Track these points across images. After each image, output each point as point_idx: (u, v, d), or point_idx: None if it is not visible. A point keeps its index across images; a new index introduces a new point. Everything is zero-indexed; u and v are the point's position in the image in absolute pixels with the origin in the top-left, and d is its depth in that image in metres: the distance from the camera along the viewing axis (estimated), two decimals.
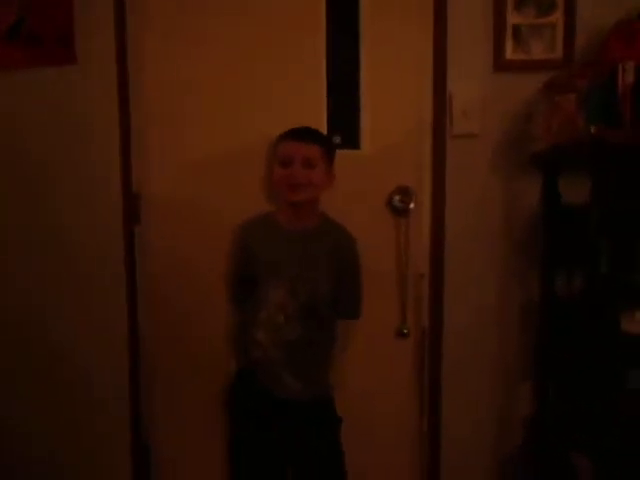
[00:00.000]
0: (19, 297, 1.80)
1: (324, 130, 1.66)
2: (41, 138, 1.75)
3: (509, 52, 1.62)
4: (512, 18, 1.61)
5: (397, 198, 1.65)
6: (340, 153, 1.65)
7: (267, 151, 1.66)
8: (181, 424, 1.80)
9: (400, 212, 1.65)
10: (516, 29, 1.61)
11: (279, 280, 1.51)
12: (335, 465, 1.58)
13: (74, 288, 1.78)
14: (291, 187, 1.49)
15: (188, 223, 1.73)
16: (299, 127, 1.54)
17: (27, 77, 1.73)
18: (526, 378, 1.71)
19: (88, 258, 1.76)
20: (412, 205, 1.66)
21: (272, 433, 1.56)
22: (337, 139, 1.68)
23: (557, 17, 1.60)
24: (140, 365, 1.78)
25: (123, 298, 1.75)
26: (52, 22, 1.70)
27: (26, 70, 1.72)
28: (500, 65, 1.63)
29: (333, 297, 1.55)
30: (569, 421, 1.56)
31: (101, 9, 1.68)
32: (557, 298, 1.56)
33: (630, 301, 1.27)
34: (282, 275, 1.51)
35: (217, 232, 1.70)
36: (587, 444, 1.50)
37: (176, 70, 1.70)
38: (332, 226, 1.58)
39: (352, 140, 1.68)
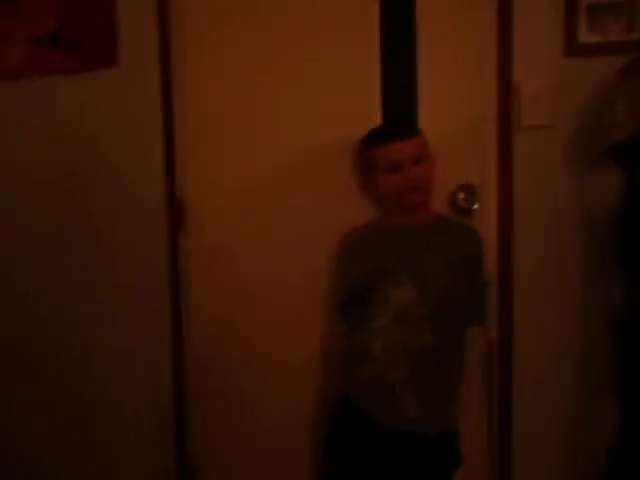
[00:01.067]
0: (55, 312, 1.71)
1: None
2: (83, 143, 1.68)
3: (582, 34, 1.47)
4: None
5: (461, 197, 1.51)
6: None
7: (318, 157, 1.57)
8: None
9: (464, 212, 1.52)
10: (590, 8, 1.46)
11: (403, 278, 1.33)
12: None
13: (113, 302, 1.69)
14: (410, 190, 1.36)
15: (237, 232, 1.64)
16: (385, 125, 1.45)
17: (69, 82, 1.67)
18: (610, 395, 1.53)
19: (129, 269, 1.67)
20: (476, 205, 1.52)
21: (381, 473, 1.34)
22: None
23: None
24: (186, 389, 1.67)
25: (167, 310, 1.65)
26: (93, 25, 1.65)
27: (68, 75, 1.67)
28: (573, 49, 1.48)
29: (463, 298, 1.37)
30: None
31: (144, 11, 1.61)
32: None
33: None
34: (406, 272, 1.34)
35: (269, 240, 1.61)
36: None
37: (222, 71, 1.62)
38: (451, 221, 1.48)
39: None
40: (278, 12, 1.58)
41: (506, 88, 1.51)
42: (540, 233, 1.53)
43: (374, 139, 1.42)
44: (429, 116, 1.53)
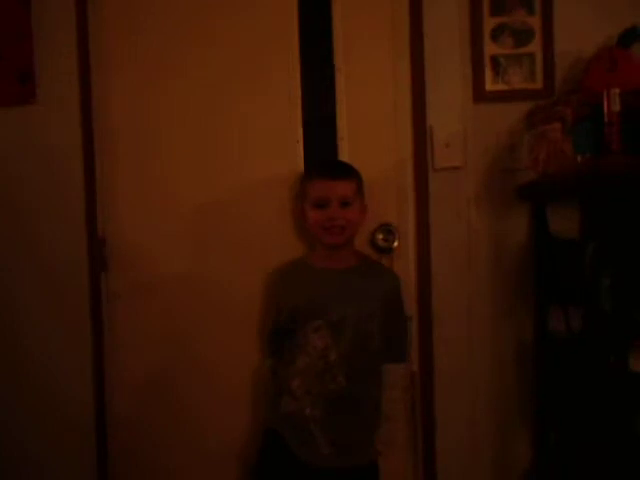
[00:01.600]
0: None
1: (300, 167, 1.59)
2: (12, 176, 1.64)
3: (489, 83, 1.58)
4: (490, 49, 1.57)
5: (380, 237, 1.56)
6: None
7: (244, 193, 1.60)
8: None
9: (384, 251, 1.57)
10: (494, 60, 1.57)
11: (321, 322, 1.37)
12: None
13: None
14: (330, 230, 1.39)
15: (160, 268, 1.62)
16: (329, 161, 1.49)
17: None
18: (524, 424, 1.60)
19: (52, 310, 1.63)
20: (396, 243, 1.57)
21: None
22: None
23: (535, 46, 1.57)
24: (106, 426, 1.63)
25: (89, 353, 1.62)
26: (10, 60, 1.61)
27: None
28: (480, 96, 1.58)
29: (380, 341, 1.41)
30: (572, 472, 1.45)
31: (64, 47, 1.61)
32: (553, 337, 1.47)
33: (637, 339, 1.19)
34: (324, 316, 1.37)
35: (193, 277, 1.61)
36: None
37: (143, 109, 1.62)
38: (374, 264, 1.50)
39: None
40: (205, 48, 1.61)
41: (421, 132, 1.58)
42: (456, 268, 1.59)
43: (311, 172, 1.47)
44: (349, 160, 1.57)
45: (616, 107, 1.28)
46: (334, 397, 1.36)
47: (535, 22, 1.57)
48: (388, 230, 1.56)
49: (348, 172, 1.44)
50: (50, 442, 1.64)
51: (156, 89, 1.61)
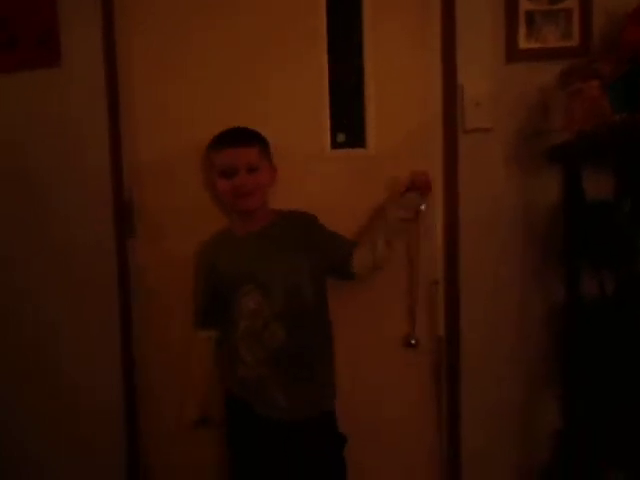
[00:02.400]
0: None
1: (327, 128, 1.56)
2: (27, 146, 1.64)
3: (522, 41, 1.53)
4: (524, 5, 1.52)
5: (412, 195, 1.52)
6: (345, 153, 1.57)
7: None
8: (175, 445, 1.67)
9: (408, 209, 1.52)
10: (529, 16, 1.52)
11: (248, 285, 1.40)
12: None
13: (69, 303, 1.67)
14: (241, 196, 1.41)
15: (185, 232, 1.61)
16: (229, 130, 1.45)
17: (7, 81, 1.62)
18: (553, 388, 1.59)
19: (81, 267, 1.65)
20: (423, 206, 1.54)
21: (272, 459, 1.43)
22: (341, 138, 1.58)
23: (572, 3, 1.51)
24: (135, 384, 1.66)
25: (116, 314, 1.63)
26: (33, 23, 1.60)
27: (7, 74, 1.62)
28: (513, 55, 1.53)
29: (313, 292, 1.42)
30: (601, 434, 1.44)
31: (88, 8, 1.58)
32: (584, 300, 1.45)
33: None
34: (251, 280, 1.40)
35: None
36: (622, 459, 1.38)
37: (167, 70, 1.60)
38: (286, 214, 1.49)
39: (357, 139, 1.58)
40: (227, 11, 1.57)
41: (452, 92, 1.54)
42: (485, 232, 1.57)
43: (215, 142, 1.45)
44: (376, 120, 1.55)
45: None
46: (279, 353, 1.39)
47: None
48: (416, 172, 1.51)
49: (250, 138, 1.44)
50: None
51: (181, 54, 1.58)
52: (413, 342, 1.57)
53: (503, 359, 1.60)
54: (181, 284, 1.57)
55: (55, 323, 1.68)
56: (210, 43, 1.58)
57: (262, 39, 1.57)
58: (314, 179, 1.57)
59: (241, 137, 1.43)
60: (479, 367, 1.60)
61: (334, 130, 1.57)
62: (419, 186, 1.45)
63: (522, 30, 1.53)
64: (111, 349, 1.65)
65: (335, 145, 1.58)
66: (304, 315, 1.41)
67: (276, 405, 1.40)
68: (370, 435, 1.58)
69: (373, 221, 1.51)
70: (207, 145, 1.48)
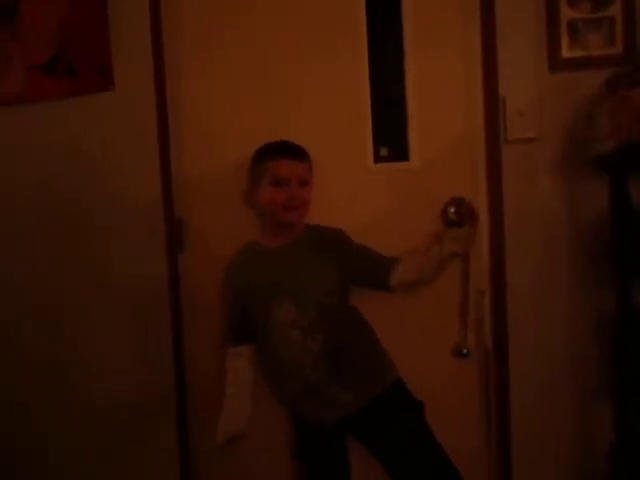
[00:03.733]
0: (56, 334, 1.74)
1: (370, 142, 1.59)
2: (81, 167, 1.71)
3: (565, 49, 1.52)
4: (566, 13, 1.51)
5: (452, 210, 1.53)
6: (389, 166, 1.59)
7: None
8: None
9: (455, 224, 1.53)
10: (571, 25, 1.51)
11: (281, 297, 1.42)
12: (429, 447, 1.44)
13: (118, 322, 1.72)
14: (290, 209, 1.43)
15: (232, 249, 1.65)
16: (282, 142, 1.48)
17: (66, 107, 1.70)
18: (606, 400, 1.55)
19: (131, 289, 1.70)
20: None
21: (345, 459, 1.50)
22: (384, 152, 1.60)
23: (615, 10, 1.50)
24: (187, 401, 1.70)
25: (169, 328, 1.68)
26: (89, 52, 1.68)
27: (65, 100, 1.71)
28: (556, 63, 1.52)
29: (343, 295, 1.46)
30: None
31: (138, 36, 1.65)
32: (635, 309, 1.42)
33: None
34: (284, 291, 1.42)
35: None
36: None
37: (214, 91, 1.65)
38: (314, 228, 1.51)
39: (400, 152, 1.60)
40: (270, 24, 1.62)
41: (494, 103, 1.55)
42: (531, 242, 1.56)
43: (270, 152, 1.47)
44: (419, 133, 1.57)
45: None
46: (322, 355, 1.39)
47: None
48: (460, 204, 1.53)
49: (304, 152, 1.48)
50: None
51: (227, 69, 1.63)
52: (465, 352, 1.56)
53: (553, 370, 1.58)
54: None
55: (108, 342, 1.73)
56: (252, 59, 1.62)
57: (303, 51, 1.61)
58: (358, 194, 1.59)
59: (297, 150, 1.47)
60: (528, 378, 1.58)
61: (377, 144, 1.59)
62: (467, 217, 1.49)
63: (565, 39, 1.52)
64: (164, 361, 1.69)
65: (378, 159, 1.60)
66: (336, 315, 1.43)
67: (340, 403, 1.40)
68: None
69: (426, 245, 1.51)
70: (256, 152, 1.49)
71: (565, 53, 1.52)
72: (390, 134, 1.60)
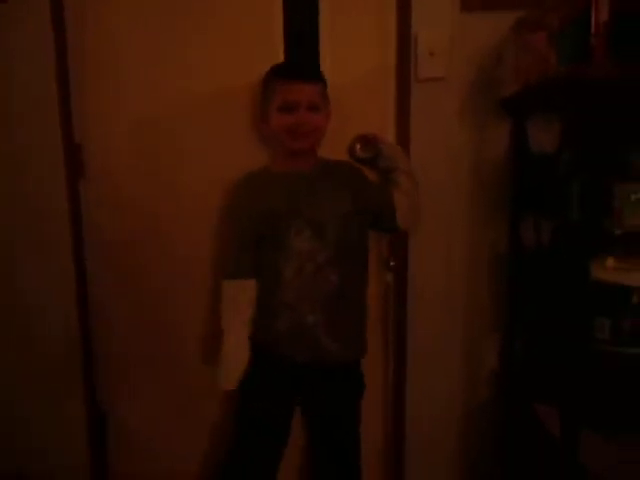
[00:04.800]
0: None
1: None
2: None
3: None
4: None
5: (358, 146, 1.53)
6: None
7: (215, 98, 1.56)
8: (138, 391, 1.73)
9: (362, 161, 1.53)
10: None
11: (301, 223, 1.35)
12: (352, 432, 1.50)
13: (23, 241, 1.66)
14: (297, 135, 1.35)
15: (133, 174, 1.62)
16: (292, 62, 1.41)
17: None
18: (495, 335, 1.67)
19: (33, 211, 1.64)
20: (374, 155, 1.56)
21: (288, 400, 1.47)
22: None
23: None
24: (92, 325, 1.69)
25: (69, 255, 1.64)
26: None
27: None
28: (469, 3, 1.52)
29: (363, 236, 1.45)
30: (536, 373, 1.53)
31: None
32: (525, 247, 1.51)
33: (602, 248, 1.22)
34: (303, 218, 1.35)
35: (166, 183, 1.62)
36: (555, 396, 1.48)
37: (120, 8, 1.55)
38: (332, 161, 1.47)
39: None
40: None
41: (405, 41, 1.54)
42: (435, 180, 1.59)
43: (277, 73, 1.39)
44: (330, 67, 1.54)
45: (605, 16, 1.25)
46: (329, 297, 1.37)
47: None
48: (368, 141, 1.54)
49: (317, 74, 1.40)
50: None
51: None
52: (392, 264, 1.62)
53: (448, 300, 1.67)
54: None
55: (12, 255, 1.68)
56: None
57: None
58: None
59: (308, 71, 1.38)
60: (425, 307, 1.66)
61: None
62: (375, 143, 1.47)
63: None
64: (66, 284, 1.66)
65: None
66: (352, 260, 1.40)
67: (326, 349, 1.37)
68: None
69: (389, 180, 1.48)
70: (266, 74, 1.41)
71: None
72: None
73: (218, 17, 1.55)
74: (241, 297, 1.41)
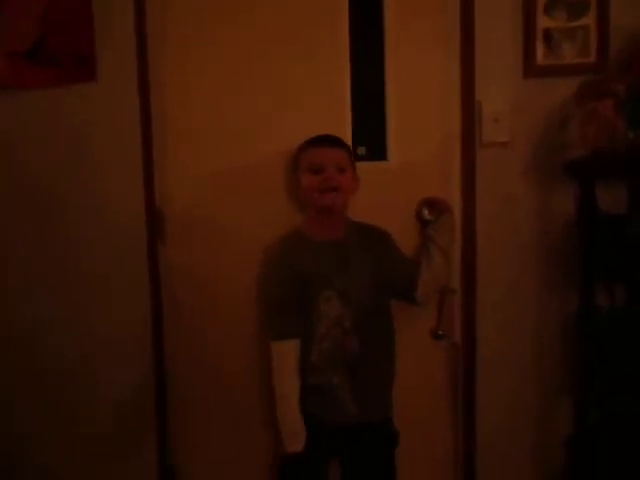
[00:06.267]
0: (40, 328, 1.74)
1: (349, 141, 1.62)
2: (60, 156, 1.70)
3: (540, 57, 1.57)
4: (542, 22, 1.56)
5: (426, 211, 1.59)
6: (366, 165, 1.62)
7: (289, 163, 1.61)
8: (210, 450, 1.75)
9: (429, 225, 1.59)
10: (547, 33, 1.56)
11: (330, 292, 1.45)
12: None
13: (98, 311, 1.72)
14: (325, 191, 1.45)
15: (212, 240, 1.68)
16: (321, 135, 1.51)
17: (47, 96, 1.69)
18: (566, 398, 1.64)
19: (110, 279, 1.71)
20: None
21: (325, 459, 1.52)
22: (362, 150, 1.64)
23: (590, 20, 1.54)
24: (166, 386, 1.73)
25: (149, 318, 1.70)
26: (72, 41, 1.68)
27: (46, 90, 1.70)
28: (531, 70, 1.57)
29: (386, 302, 1.52)
30: (612, 441, 1.49)
31: (122, 26, 1.64)
32: (597, 311, 1.49)
33: None
34: (332, 286, 1.44)
35: (243, 247, 1.66)
36: (631, 467, 1.43)
37: (196, 85, 1.66)
38: (363, 226, 1.55)
39: (378, 151, 1.64)
40: (251, 31, 1.63)
41: (470, 107, 1.59)
42: (501, 244, 1.62)
43: (308, 142, 1.52)
44: (397, 133, 1.61)
45: None
46: (354, 361, 1.45)
47: None
48: (434, 205, 1.58)
49: (340, 142, 1.51)
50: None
51: (211, 62, 1.64)
52: (440, 333, 1.63)
53: (519, 366, 1.65)
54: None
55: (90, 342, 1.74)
56: (234, 58, 1.63)
57: (285, 51, 1.62)
58: None
59: (334, 140, 1.50)
60: (495, 373, 1.65)
61: (355, 143, 1.63)
62: (442, 208, 1.55)
63: (540, 46, 1.57)
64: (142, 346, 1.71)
65: (356, 158, 1.63)
66: (374, 330, 1.48)
67: (347, 411, 1.45)
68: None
69: (425, 251, 1.55)
70: (297, 149, 1.54)
71: (540, 60, 1.57)
72: (369, 134, 1.63)
73: (291, 93, 1.64)
74: (291, 357, 1.47)
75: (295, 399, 1.46)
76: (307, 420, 1.46)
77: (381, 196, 1.62)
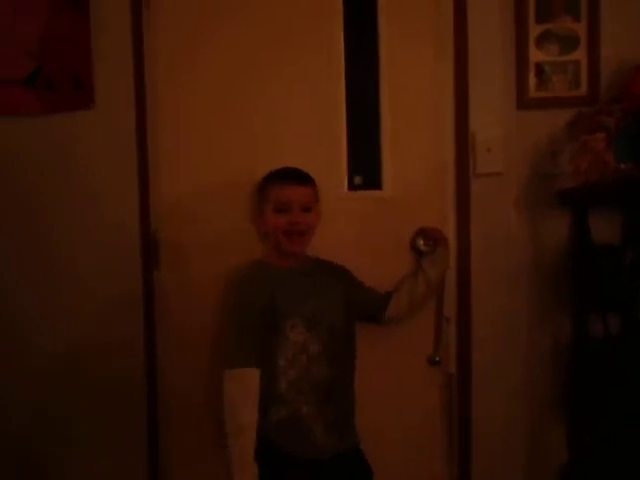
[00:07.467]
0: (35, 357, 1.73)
1: (345, 171, 1.64)
2: (55, 182, 1.71)
3: (532, 89, 1.60)
4: (534, 55, 1.59)
5: (421, 241, 1.60)
6: (362, 194, 1.64)
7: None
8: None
9: (424, 255, 1.60)
10: (539, 66, 1.59)
11: (296, 319, 1.40)
12: None
13: (89, 338, 1.72)
14: (292, 236, 1.43)
15: (209, 266, 1.67)
16: (286, 168, 1.49)
17: (43, 122, 1.70)
18: (559, 425, 1.65)
19: (106, 307, 1.71)
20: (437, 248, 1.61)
21: None
22: (358, 180, 1.65)
23: (581, 54, 1.58)
24: (157, 414, 1.72)
25: (141, 344, 1.70)
26: (68, 66, 1.70)
27: (43, 116, 1.71)
28: (523, 102, 1.60)
29: (353, 324, 1.50)
30: (605, 472, 1.49)
31: (119, 53, 1.67)
32: (590, 341, 1.50)
33: None
34: (298, 313, 1.41)
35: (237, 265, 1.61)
36: None
37: (192, 111, 1.67)
38: (320, 260, 1.54)
39: (374, 181, 1.65)
40: (247, 53, 1.65)
41: (464, 138, 1.62)
42: (496, 272, 1.63)
43: (272, 177, 1.49)
44: (392, 163, 1.63)
45: None
46: (321, 388, 1.40)
47: (581, 29, 1.58)
48: (427, 235, 1.59)
49: (307, 178, 1.48)
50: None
51: (207, 88, 1.66)
52: (437, 359, 1.61)
53: (512, 394, 1.66)
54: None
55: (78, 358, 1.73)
56: (229, 81, 1.64)
57: (282, 75, 1.64)
58: (331, 220, 1.61)
59: (300, 176, 1.47)
60: (489, 401, 1.66)
61: (351, 173, 1.65)
62: (436, 239, 1.56)
63: (532, 79, 1.60)
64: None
65: (352, 187, 1.65)
66: (342, 353, 1.45)
67: (315, 443, 1.39)
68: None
69: (412, 277, 1.57)
70: (263, 179, 1.51)
71: (532, 93, 1.60)
72: (364, 163, 1.65)
73: (286, 121, 1.65)
74: (253, 386, 1.37)
75: (254, 433, 1.34)
76: (276, 456, 1.37)
77: (376, 226, 1.63)
